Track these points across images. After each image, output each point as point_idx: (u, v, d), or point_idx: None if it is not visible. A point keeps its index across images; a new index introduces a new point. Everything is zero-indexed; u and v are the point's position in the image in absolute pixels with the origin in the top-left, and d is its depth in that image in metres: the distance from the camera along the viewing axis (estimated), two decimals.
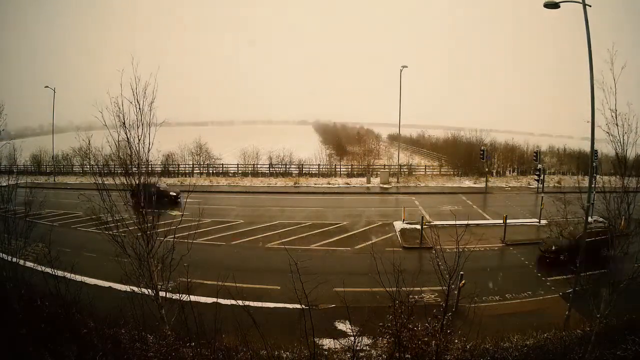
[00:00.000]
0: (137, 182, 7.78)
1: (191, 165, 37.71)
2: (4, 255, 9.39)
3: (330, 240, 17.69)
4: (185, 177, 36.73)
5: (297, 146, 40.44)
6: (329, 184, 32.75)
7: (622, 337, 7.24)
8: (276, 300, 11.39)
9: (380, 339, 6.54)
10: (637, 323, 7.73)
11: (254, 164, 37.27)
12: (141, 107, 7.51)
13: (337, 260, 15.42)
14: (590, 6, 10.64)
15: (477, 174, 34.12)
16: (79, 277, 8.98)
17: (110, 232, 7.84)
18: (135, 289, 7.64)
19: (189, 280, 7.33)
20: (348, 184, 32.65)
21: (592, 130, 10.02)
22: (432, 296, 11.30)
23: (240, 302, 6.59)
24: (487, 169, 31.91)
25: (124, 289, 7.79)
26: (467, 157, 36.21)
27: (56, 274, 7.53)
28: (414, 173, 36.46)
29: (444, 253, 6.69)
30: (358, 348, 6.36)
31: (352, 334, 6.34)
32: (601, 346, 7.12)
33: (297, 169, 36.87)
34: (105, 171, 8.25)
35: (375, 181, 33.09)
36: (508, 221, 18.14)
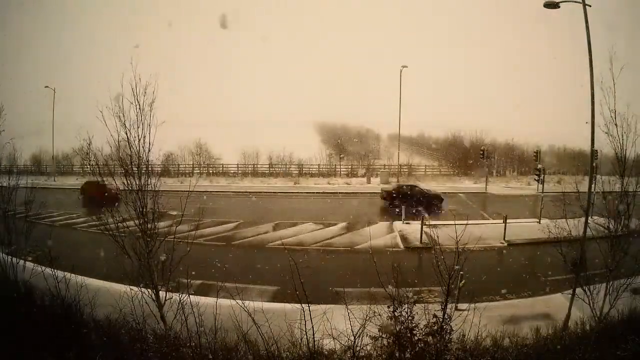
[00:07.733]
0: (138, 182, 7.79)
1: (191, 165, 37.72)
2: (4, 255, 9.40)
3: (330, 240, 17.69)
4: (185, 177, 36.73)
5: (297, 146, 40.42)
6: (329, 184, 32.77)
7: (622, 337, 7.23)
8: (276, 300, 11.37)
9: (380, 339, 6.53)
10: (637, 323, 7.73)
11: (254, 164, 37.28)
12: (141, 106, 7.54)
13: (337, 260, 15.42)
14: (590, 6, 10.64)
15: (477, 174, 34.14)
16: (79, 277, 8.95)
17: (111, 232, 7.85)
18: (135, 289, 7.65)
19: (189, 280, 7.34)
20: (348, 184, 32.67)
21: (592, 130, 10.02)
22: (432, 296, 11.29)
23: (240, 302, 6.59)
24: (487, 169, 31.93)
25: (124, 289, 7.78)
26: (467, 157, 36.25)
27: (56, 274, 7.53)
28: (414, 173, 36.48)
29: (444, 253, 6.70)
30: (358, 348, 6.36)
31: (352, 333, 6.33)
32: (601, 346, 7.12)
33: (297, 169, 36.89)
34: (105, 171, 8.25)
35: (376, 181, 33.11)
36: (508, 221, 18.12)
